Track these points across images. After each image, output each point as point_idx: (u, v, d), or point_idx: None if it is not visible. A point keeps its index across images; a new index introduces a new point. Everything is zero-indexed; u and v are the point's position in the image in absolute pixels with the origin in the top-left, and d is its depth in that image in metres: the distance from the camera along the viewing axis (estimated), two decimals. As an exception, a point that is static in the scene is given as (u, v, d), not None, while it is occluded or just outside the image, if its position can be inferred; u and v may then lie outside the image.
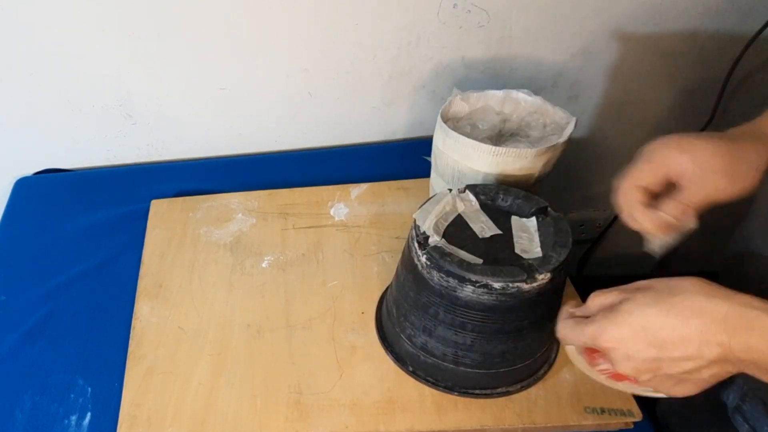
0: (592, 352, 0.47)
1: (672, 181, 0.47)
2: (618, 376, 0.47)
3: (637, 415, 0.57)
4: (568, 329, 0.44)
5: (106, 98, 0.87)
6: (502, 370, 0.58)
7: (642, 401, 0.59)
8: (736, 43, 0.86)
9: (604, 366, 0.47)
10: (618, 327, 0.39)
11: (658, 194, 0.48)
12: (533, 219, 0.58)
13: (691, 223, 0.48)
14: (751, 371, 0.37)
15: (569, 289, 0.68)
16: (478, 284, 0.51)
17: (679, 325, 0.37)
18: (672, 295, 0.38)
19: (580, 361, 0.49)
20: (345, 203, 0.83)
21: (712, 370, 0.38)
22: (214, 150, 0.98)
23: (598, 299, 0.44)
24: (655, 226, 0.46)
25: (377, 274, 0.73)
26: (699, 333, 0.36)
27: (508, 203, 0.60)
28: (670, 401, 0.65)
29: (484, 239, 0.56)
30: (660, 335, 0.37)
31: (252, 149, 0.98)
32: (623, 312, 0.40)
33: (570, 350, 0.49)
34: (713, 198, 0.45)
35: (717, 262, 0.66)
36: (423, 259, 0.54)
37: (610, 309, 0.41)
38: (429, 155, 0.74)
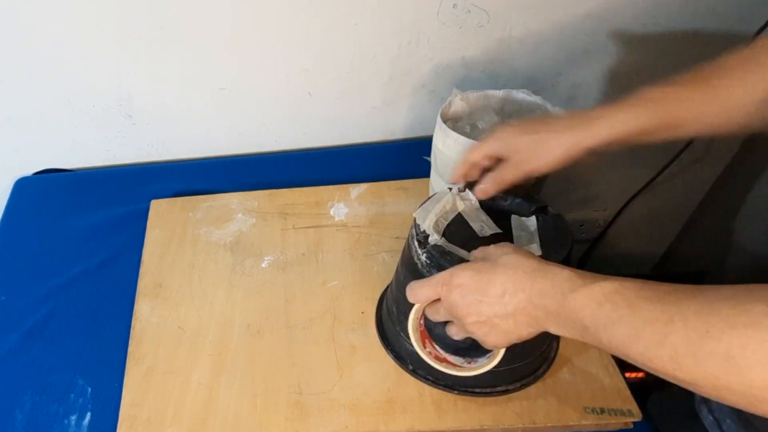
0: (423, 337, 0.57)
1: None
2: (440, 359, 0.56)
3: (637, 415, 0.57)
4: (418, 284, 0.51)
5: (106, 98, 0.87)
6: (501, 368, 0.57)
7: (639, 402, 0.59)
8: (736, 43, 0.86)
9: (429, 349, 0.57)
10: (463, 271, 0.47)
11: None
12: (533, 218, 0.58)
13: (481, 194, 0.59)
14: (544, 323, 0.44)
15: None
16: None
17: (501, 273, 0.45)
18: (499, 256, 0.47)
19: (415, 338, 0.55)
20: (345, 203, 0.83)
21: (515, 318, 0.45)
22: (214, 150, 0.98)
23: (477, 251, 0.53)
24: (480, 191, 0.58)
25: (377, 274, 0.73)
26: (513, 281, 0.45)
27: (508, 202, 0.60)
28: (658, 399, 0.66)
29: (484, 238, 0.56)
30: (486, 279, 0.46)
31: (252, 149, 0.98)
32: (468, 265, 0.48)
33: (411, 327, 0.54)
34: (524, 174, 0.55)
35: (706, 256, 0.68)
36: (423, 257, 0.54)
37: (459, 265, 0.50)
38: (429, 155, 0.74)
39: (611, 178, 1.11)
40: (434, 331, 0.57)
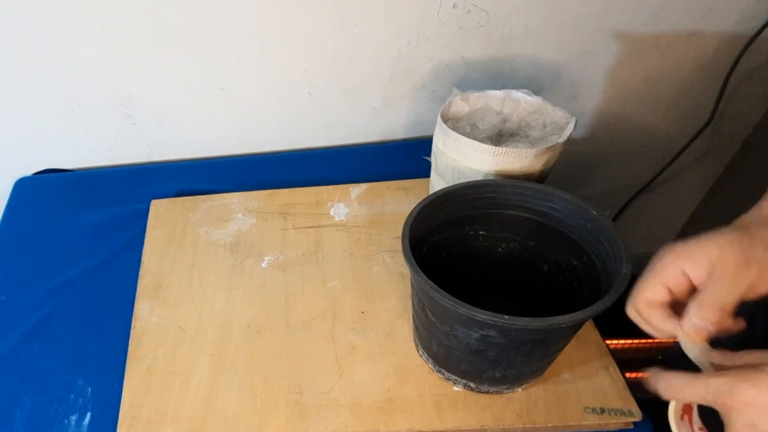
0: (684, 413, 0.43)
1: (694, 287, 0.42)
2: None
3: (637, 415, 0.57)
4: (681, 381, 0.38)
5: (106, 98, 0.88)
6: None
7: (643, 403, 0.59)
8: (736, 43, 0.86)
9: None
10: (756, 389, 0.34)
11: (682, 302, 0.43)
12: None
13: (733, 325, 0.41)
14: None
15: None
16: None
17: None
18: None
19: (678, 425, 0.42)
20: (345, 203, 0.83)
21: None
22: (214, 150, 0.98)
23: (743, 356, 0.39)
24: (688, 335, 0.41)
25: (377, 274, 0.73)
26: None
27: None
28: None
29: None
30: None
31: (252, 149, 0.98)
32: (751, 377, 0.35)
33: (672, 411, 0.42)
34: (747, 295, 0.40)
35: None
36: None
37: (753, 367, 0.36)
38: (429, 155, 0.74)
39: (611, 178, 1.11)
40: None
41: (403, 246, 0.53)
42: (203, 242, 0.80)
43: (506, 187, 0.60)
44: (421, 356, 0.64)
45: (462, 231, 0.63)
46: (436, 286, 0.49)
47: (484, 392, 0.60)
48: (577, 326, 0.52)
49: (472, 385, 0.59)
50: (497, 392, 0.60)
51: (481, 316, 0.47)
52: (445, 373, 0.61)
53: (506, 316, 0.46)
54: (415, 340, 0.65)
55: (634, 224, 1.18)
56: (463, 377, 0.59)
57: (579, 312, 0.46)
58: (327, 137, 0.97)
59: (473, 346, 0.52)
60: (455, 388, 0.61)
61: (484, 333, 0.50)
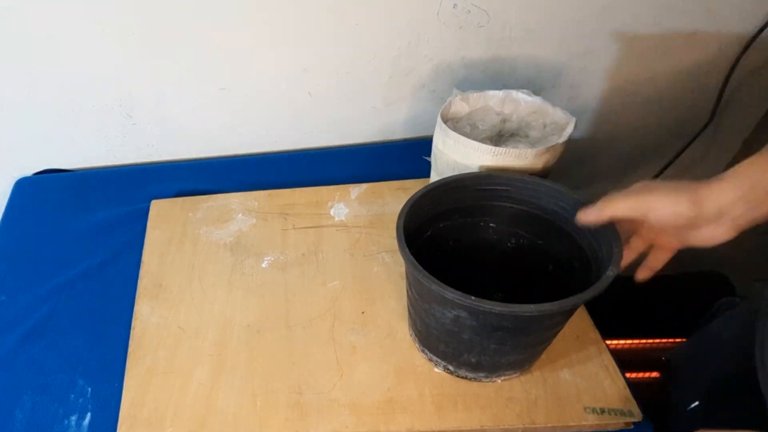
0: None
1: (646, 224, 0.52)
2: None
3: (637, 416, 0.57)
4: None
5: (106, 98, 0.87)
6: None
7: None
8: (736, 43, 0.86)
9: None
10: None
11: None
12: None
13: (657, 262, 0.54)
14: None
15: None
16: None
17: None
18: None
19: None
20: (345, 203, 0.83)
21: None
22: (214, 150, 0.98)
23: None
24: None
25: (377, 274, 0.73)
26: None
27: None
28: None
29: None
30: None
31: (252, 149, 0.98)
32: None
33: None
34: (689, 244, 0.51)
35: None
36: None
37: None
38: (429, 155, 0.74)
39: (611, 178, 1.11)
40: None
41: (398, 224, 0.53)
42: (203, 242, 0.80)
43: (519, 181, 0.60)
44: (410, 336, 0.65)
45: (472, 221, 0.63)
46: (415, 261, 0.50)
47: (462, 377, 0.61)
48: (553, 321, 0.52)
49: (451, 368, 0.60)
50: (475, 379, 0.60)
51: (450, 294, 0.47)
52: (428, 353, 0.62)
53: (473, 297, 0.47)
54: (408, 321, 0.66)
55: (634, 224, 1.18)
56: (442, 359, 0.60)
57: (546, 303, 0.46)
58: (327, 137, 0.97)
59: (448, 326, 0.53)
60: (436, 370, 0.62)
61: (455, 313, 0.50)
